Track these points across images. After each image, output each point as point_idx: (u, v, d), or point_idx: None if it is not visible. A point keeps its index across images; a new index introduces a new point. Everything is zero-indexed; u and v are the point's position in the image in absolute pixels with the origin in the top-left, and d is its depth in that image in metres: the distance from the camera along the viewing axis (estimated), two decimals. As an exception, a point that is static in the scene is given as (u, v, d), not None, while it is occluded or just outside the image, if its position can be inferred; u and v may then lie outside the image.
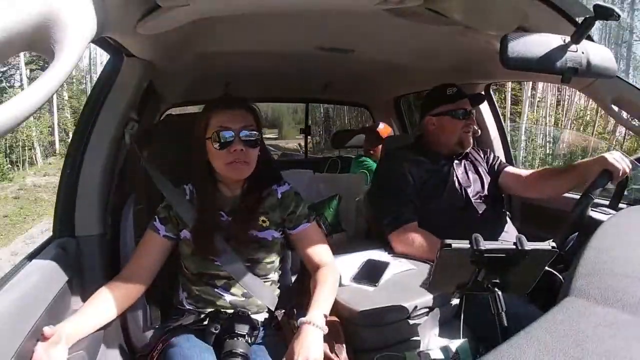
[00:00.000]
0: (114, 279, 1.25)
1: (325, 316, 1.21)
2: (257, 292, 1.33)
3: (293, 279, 1.67)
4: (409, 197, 1.73)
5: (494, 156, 1.96)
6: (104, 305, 1.18)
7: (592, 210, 1.35)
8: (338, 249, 1.41)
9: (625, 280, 0.66)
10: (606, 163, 1.42)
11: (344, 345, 1.25)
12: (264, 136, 1.43)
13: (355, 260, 1.58)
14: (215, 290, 1.31)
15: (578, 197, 1.41)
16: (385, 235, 1.73)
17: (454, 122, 1.80)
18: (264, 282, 1.37)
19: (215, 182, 1.37)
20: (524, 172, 1.85)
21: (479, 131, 1.84)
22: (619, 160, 1.42)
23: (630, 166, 1.44)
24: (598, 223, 0.90)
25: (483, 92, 2.34)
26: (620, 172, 1.40)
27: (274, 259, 1.39)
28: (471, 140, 1.84)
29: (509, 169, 1.88)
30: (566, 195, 1.77)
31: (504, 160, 2.01)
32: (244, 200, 1.37)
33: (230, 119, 1.29)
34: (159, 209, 1.35)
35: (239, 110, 1.32)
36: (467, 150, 1.86)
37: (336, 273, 1.38)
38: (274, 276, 1.42)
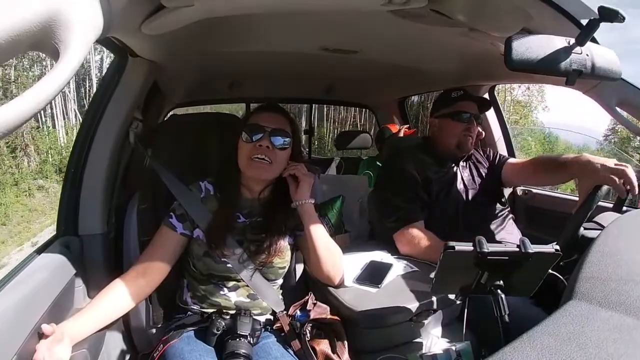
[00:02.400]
0: (124, 276, 1.24)
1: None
2: (264, 295, 1.33)
3: (296, 279, 1.67)
4: (415, 196, 1.72)
5: (495, 153, 1.95)
6: (113, 302, 1.18)
7: (585, 229, 1.28)
8: (342, 251, 1.41)
9: (629, 283, 0.66)
10: (607, 182, 1.30)
11: (346, 346, 1.25)
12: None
13: (358, 261, 1.58)
14: (222, 291, 1.31)
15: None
16: (390, 234, 1.73)
17: (454, 124, 1.79)
18: (272, 285, 1.37)
19: (238, 183, 1.38)
20: (523, 161, 1.84)
21: (483, 133, 1.83)
22: (618, 174, 1.29)
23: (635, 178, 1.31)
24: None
25: (487, 94, 2.34)
26: (621, 184, 1.28)
27: (286, 264, 1.39)
28: (470, 145, 1.82)
29: (510, 160, 1.88)
30: (572, 198, 1.76)
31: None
32: (266, 205, 1.38)
33: (266, 119, 1.33)
34: (174, 206, 1.35)
35: (277, 114, 1.36)
36: (472, 152, 1.86)
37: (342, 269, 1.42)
38: (281, 279, 1.43)
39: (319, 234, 1.34)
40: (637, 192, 1.30)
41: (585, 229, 1.27)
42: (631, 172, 1.30)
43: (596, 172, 1.35)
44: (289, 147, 1.34)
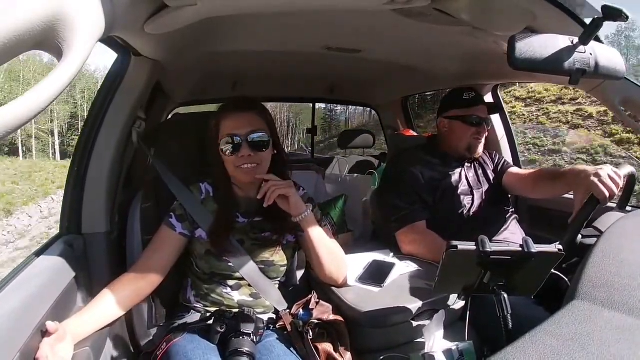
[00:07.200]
0: (124, 275, 1.25)
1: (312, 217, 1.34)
2: (267, 294, 1.34)
3: (299, 278, 1.67)
4: (419, 196, 1.72)
5: (500, 157, 1.96)
6: (114, 302, 1.18)
7: (582, 236, 1.28)
8: (344, 250, 1.41)
9: (631, 284, 0.65)
10: (592, 188, 1.29)
11: (349, 346, 1.25)
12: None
13: (361, 260, 1.58)
14: (225, 290, 1.32)
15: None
16: (392, 233, 1.73)
17: (465, 127, 1.79)
18: (274, 284, 1.37)
19: (230, 183, 1.38)
20: (525, 172, 1.84)
21: (487, 132, 1.82)
22: (606, 182, 1.28)
23: (621, 181, 1.31)
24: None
25: (491, 93, 2.33)
26: (608, 197, 1.27)
27: (287, 262, 1.39)
28: (481, 148, 1.82)
29: (512, 169, 1.87)
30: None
31: (510, 161, 2.00)
32: (261, 203, 1.37)
33: (237, 125, 1.29)
34: (174, 206, 1.35)
35: (248, 114, 1.32)
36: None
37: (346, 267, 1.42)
38: (284, 278, 1.43)
39: (323, 241, 1.35)
40: (615, 194, 1.28)
41: (583, 236, 1.26)
42: (605, 175, 1.29)
43: (585, 179, 1.33)
44: (270, 143, 1.32)
